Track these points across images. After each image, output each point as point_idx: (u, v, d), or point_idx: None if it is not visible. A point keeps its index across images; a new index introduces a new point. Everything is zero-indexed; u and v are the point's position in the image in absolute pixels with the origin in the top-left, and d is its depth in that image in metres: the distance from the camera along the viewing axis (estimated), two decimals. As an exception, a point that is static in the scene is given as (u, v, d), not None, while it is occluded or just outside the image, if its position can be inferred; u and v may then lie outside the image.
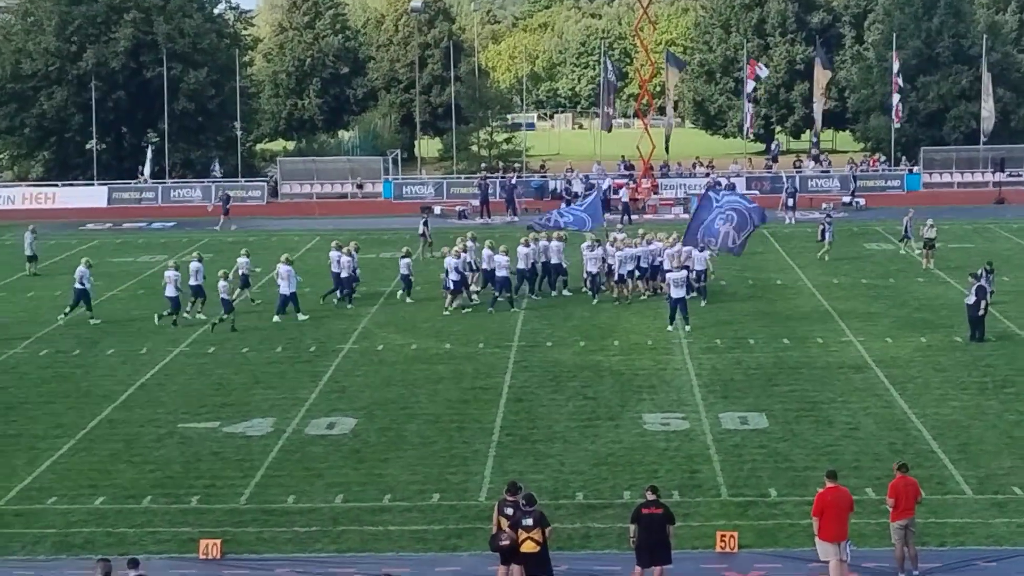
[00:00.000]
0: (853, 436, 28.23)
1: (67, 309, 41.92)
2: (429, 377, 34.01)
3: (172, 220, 68.94)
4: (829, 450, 27.26)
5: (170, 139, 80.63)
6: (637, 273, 43.41)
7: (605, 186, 66.90)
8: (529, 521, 20.16)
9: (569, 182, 70.81)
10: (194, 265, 41.81)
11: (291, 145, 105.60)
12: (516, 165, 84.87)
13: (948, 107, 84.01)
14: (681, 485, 25.26)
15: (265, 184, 77.93)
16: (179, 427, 29.89)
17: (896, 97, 77.92)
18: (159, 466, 27.15)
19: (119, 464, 27.35)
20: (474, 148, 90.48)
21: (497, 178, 74.65)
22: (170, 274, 40.93)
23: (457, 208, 68.10)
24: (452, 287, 42.03)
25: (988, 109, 78.35)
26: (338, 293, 43.63)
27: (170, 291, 40.64)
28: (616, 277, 43.00)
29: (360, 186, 77.60)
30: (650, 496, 20.65)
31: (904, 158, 79.35)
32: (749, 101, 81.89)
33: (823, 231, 51.81)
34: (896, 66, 77.80)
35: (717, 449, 27.49)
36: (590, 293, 43.11)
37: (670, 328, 38.49)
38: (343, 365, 35.57)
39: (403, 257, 44.20)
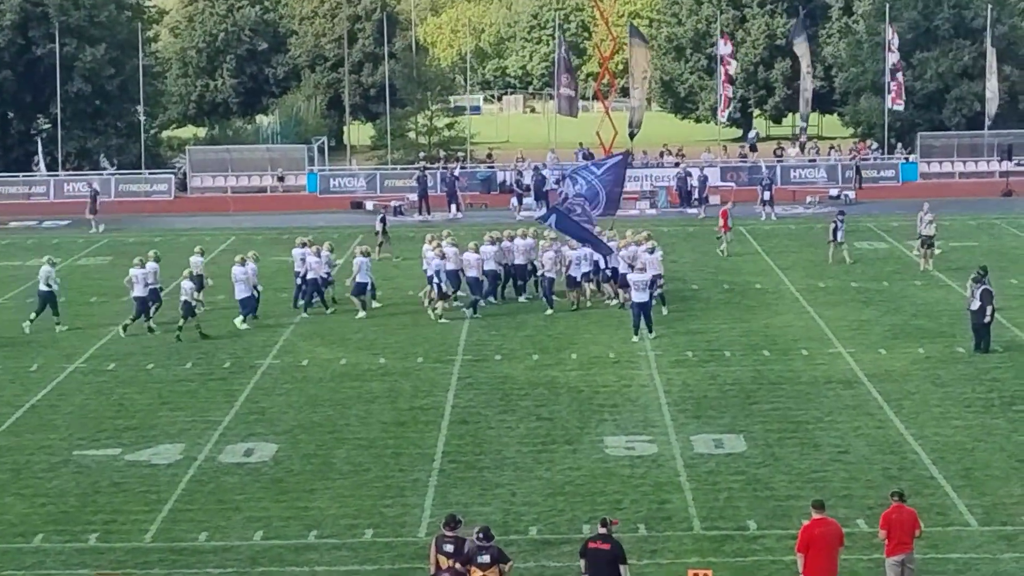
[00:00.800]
0: (842, 460, 28.37)
1: (32, 316, 41.66)
2: (361, 396, 33.97)
3: (66, 218, 68.44)
4: (815, 477, 27.40)
5: (63, 126, 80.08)
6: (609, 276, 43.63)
7: (552, 180, 66.55)
8: (486, 558, 20.18)
9: (520, 173, 70.81)
10: (151, 266, 41.91)
11: (202, 132, 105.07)
12: (459, 154, 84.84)
13: (948, 87, 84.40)
14: (648, 517, 25.33)
15: (172, 177, 77.56)
16: (75, 455, 29.73)
17: (896, 75, 78.05)
18: (52, 499, 27.00)
19: (6, 497, 27.19)
20: (411, 135, 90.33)
21: (438, 169, 74.64)
22: (135, 272, 41.18)
23: (392, 203, 68.00)
24: (439, 292, 42.00)
25: (992, 89, 78.80)
26: (300, 298, 43.85)
27: (138, 291, 41.03)
28: (567, 279, 43.06)
29: (281, 178, 77.40)
30: (601, 529, 20.66)
31: (899, 145, 79.65)
32: (726, 81, 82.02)
33: (835, 229, 50.65)
34: (896, 41, 77.95)
35: (689, 476, 27.58)
36: (544, 301, 43.11)
37: (635, 339, 38.60)
38: (262, 383, 35.47)
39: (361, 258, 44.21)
